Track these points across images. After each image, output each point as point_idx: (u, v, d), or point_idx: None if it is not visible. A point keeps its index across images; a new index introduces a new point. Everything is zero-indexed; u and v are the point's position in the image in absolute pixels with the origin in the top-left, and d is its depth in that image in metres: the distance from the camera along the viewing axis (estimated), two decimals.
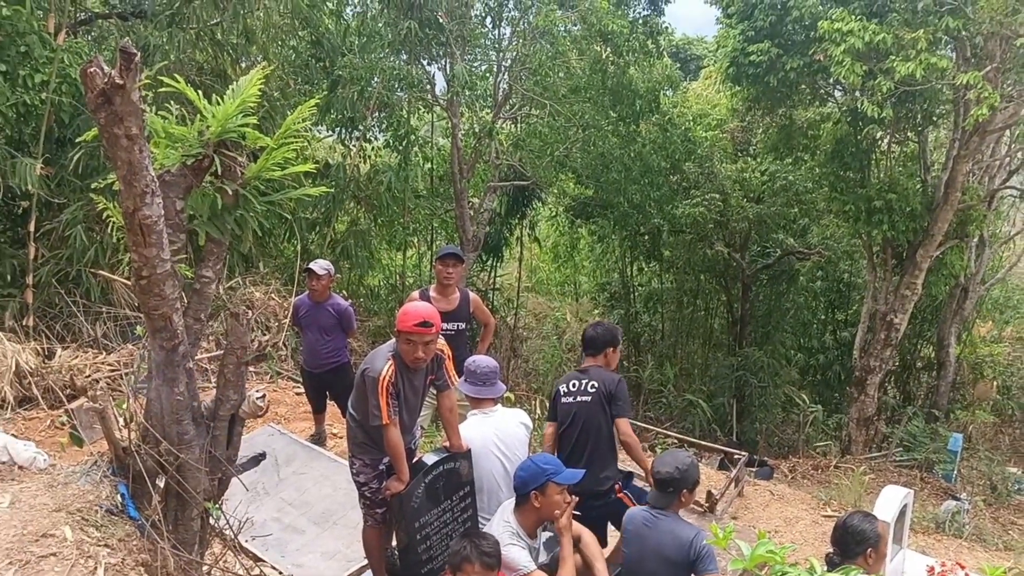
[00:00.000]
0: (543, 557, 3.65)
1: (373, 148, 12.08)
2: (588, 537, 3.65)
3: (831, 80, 11.04)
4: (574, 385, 4.52)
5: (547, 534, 3.73)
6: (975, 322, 15.34)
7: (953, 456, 11.01)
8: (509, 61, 11.68)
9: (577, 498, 3.67)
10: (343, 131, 11.34)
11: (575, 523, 3.77)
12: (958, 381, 14.86)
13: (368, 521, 4.03)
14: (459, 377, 4.18)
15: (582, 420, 4.44)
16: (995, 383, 14.51)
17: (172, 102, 3.27)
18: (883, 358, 11.62)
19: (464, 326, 5.53)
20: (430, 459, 3.92)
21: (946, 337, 13.43)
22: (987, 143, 10.95)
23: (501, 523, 3.52)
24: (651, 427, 10.68)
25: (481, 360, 4.26)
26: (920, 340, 15.54)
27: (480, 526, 3.90)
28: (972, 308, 13.84)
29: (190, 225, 3.17)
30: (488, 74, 11.98)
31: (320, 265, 5.85)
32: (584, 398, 4.45)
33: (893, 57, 8.79)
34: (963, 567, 4.86)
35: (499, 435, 4.13)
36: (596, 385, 4.43)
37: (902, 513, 5.37)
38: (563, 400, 4.52)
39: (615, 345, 4.60)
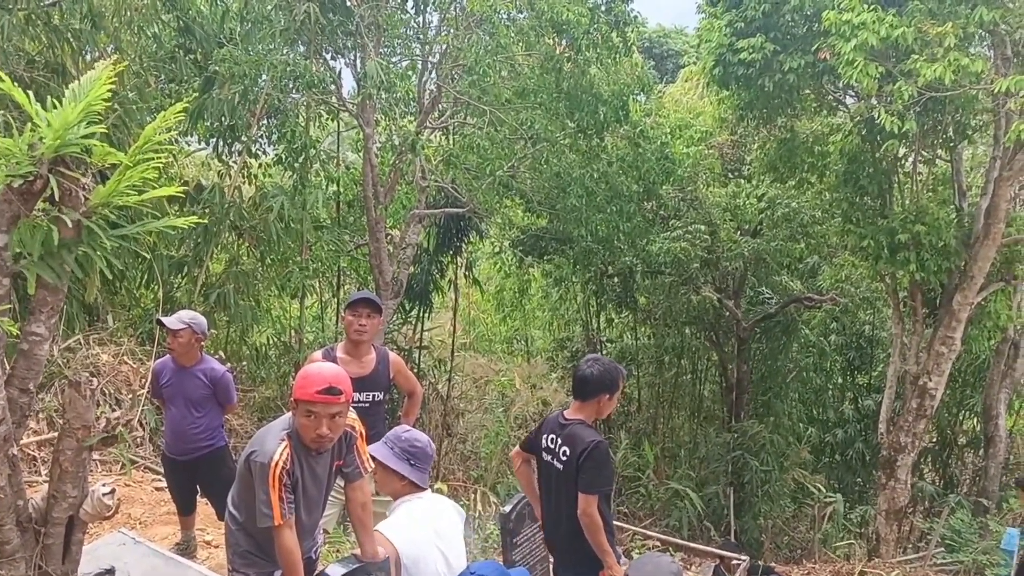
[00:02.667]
0: None
1: (260, 165, 12.07)
2: None
3: (840, 84, 11.47)
4: (552, 441, 4.72)
5: None
6: None
7: (1009, 557, 11.27)
8: (437, 56, 11.87)
9: None
10: (220, 143, 11.30)
11: None
12: (1011, 461, 15.31)
13: None
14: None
15: (555, 492, 4.70)
16: None
17: None
18: (916, 433, 11.91)
19: (382, 396, 5.51)
20: (336, 572, 3.87)
21: (994, 405, 13.83)
22: None
23: None
24: (626, 525, 10.73)
25: (417, 432, 4.18)
26: (962, 410, 16.02)
27: None
28: None
29: (16, 266, 3.16)
30: (411, 72, 12.12)
31: (178, 318, 5.78)
32: (557, 464, 4.65)
33: (916, 56, 9.17)
34: None
35: (439, 526, 4.11)
36: (567, 452, 4.58)
37: None
38: (543, 457, 4.77)
39: (612, 392, 4.70)
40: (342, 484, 4.09)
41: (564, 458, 4.60)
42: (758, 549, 13.59)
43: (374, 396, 5.41)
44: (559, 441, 4.66)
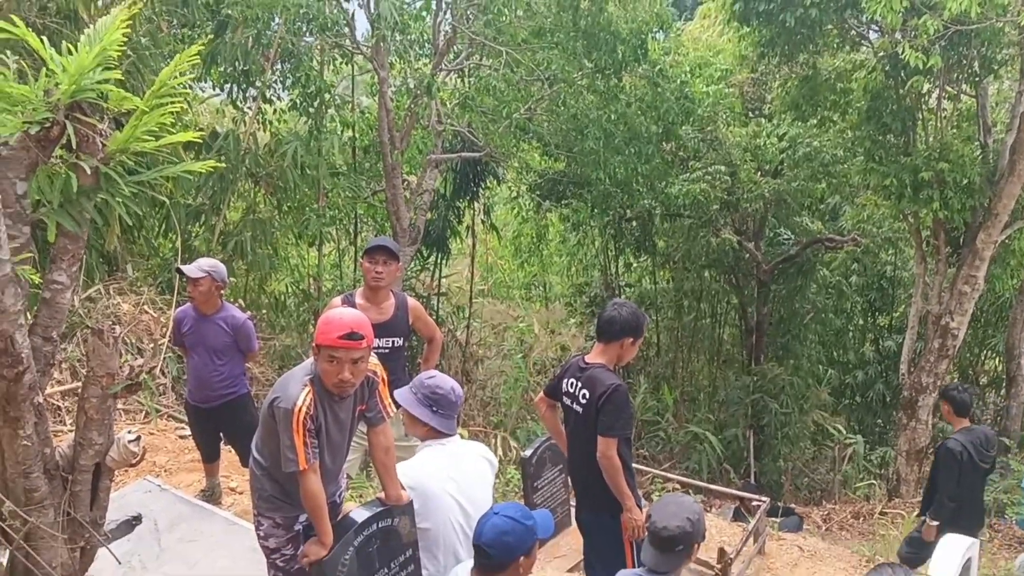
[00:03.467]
0: None
1: (275, 111, 12.03)
2: None
3: (864, 19, 11.28)
4: (572, 385, 4.80)
5: None
6: None
7: None
8: None
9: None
10: (235, 89, 11.26)
11: None
12: None
13: None
14: (396, 408, 4.18)
15: (576, 435, 4.80)
16: None
17: (9, 52, 3.23)
18: (938, 373, 11.91)
19: (402, 342, 5.54)
20: (360, 515, 3.93)
21: (1016, 345, 13.80)
22: None
23: None
24: (646, 468, 10.80)
25: (442, 378, 4.19)
26: (984, 350, 16.00)
27: None
28: None
29: (36, 215, 3.15)
30: (425, 12, 12.00)
31: (198, 266, 5.80)
32: (577, 408, 4.74)
33: None
34: None
35: (459, 473, 4.13)
36: (587, 396, 4.66)
37: (966, 568, 5.52)
38: (565, 401, 4.87)
39: (636, 336, 4.79)
40: (364, 429, 4.14)
41: (584, 401, 4.67)
42: (778, 491, 13.69)
43: (394, 342, 5.44)
44: (579, 385, 4.73)
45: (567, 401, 4.82)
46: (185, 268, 5.78)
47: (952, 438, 6.79)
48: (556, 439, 5.25)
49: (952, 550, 5.56)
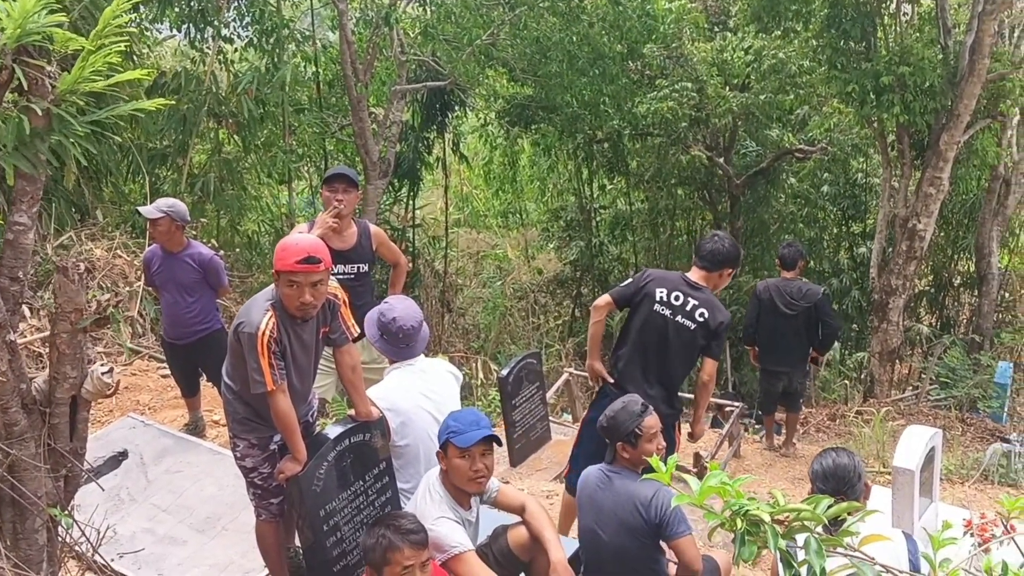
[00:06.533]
0: (479, 532, 3.90)
1: (236, 50, 11.95)
2: (533, 506, 3.90)
3: None
4: (676, 298, 5.01)
5: (484, 504, 3.98)
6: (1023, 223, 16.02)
7: (1002, 390, 11.61)
8: None
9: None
10: (192, 30, 11.18)
11: (516, 491, 4.04)
12: (1006, 298, 15.58)
13: (262, 515, 4.19)
14: (359, 329, 4.33)
15: (670, 344, 5.00)
16: None
17: None
18: (906, 275, 12.08)
19: (367, 268, 5.65)
20: (333, 431, 4.09)
21: (986, 244, 13.95)
22: None
23: (426, 495, 3.74)
24: None
25: (399, 308, 4.31)
26: (955, 251, 16.19)
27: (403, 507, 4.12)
28: (1016, 205, 14.35)
29: None
30: None
31: (156, 207, 5.87)
32: (685, 322, 4.96)
33: None
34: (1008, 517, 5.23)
35: (428, 389, 4.32)
36: (705, 315, 4.93)
37: (930, 459, 5.68)
38: (655, 308, 5.02)
39: (735, 267, 5.14)
40: (330, 352, 4.29)
41: (700, 319, 4.93)
42: (755, 398, 13.95)
43: (359, 268, 5.56)
44: (693, 301, 4.97)
45: (664, 311, 4.99)
46: (143, 209, 5.89)
47: (764, 281, 8.45)
48: (594, 345, 5.39)
49: (915, 440, 5.72)
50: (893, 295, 12.13)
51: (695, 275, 5.10)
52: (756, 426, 10.55)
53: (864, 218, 16.80)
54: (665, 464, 2.10)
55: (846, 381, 13.55)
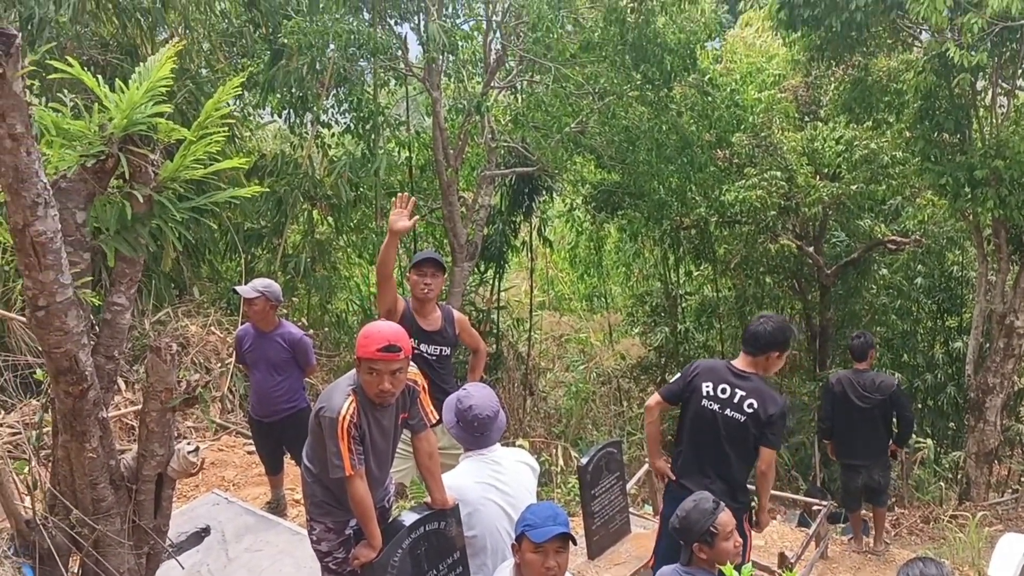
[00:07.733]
0: None
1: (333, 135, 12.33)
2: None
3: (914, 19, 11.16)
4: (723, 391, 4.88)
5: None
6: None
7: None
8: (500, 15, 11.90)
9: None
10: (292, 115, 11.59)
11: None
12: None
13: None
14: (438, 415, 4.33)
15: (722, 439, 4.87)
16: None
17: (66, 90, 3.45)
18: (1004, 373, 11.67)
19: (449, 351, 5.68)
20: (409, 518, 4.07)
21: None
22: None
23: None
24: None
25: (476, 396, 4.27)
26: None
27: None
28: None
29: (95, 241, 3.36)
30: (475, 32, 12.21)
31: (252, 287, 6.03)
32: (734, 415, 4.83)
33: None
34: None
35: (500, 480, 4.27)
36: (755, 406, 4.79)
37: None
38: (703, 403, 4.91)
39: (783, 350, 4.92)
40: (409, 438, 4.30)
41: (750, 410, 4.78)
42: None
43: (441, 350, 5.59)
44: (741, 393, 4.83)
45: (712, 405, 4.88)
46: (240, 288, 6.04)
47: (836, 374, 8.30)
48: (653, 446, 5.35)
49: (1013, 548, 5.49)
50: (990, 394, 11.71)
51: (741, 362, 4.95)
52: (842, 526, 10.17)
53: (960, 312, 16.32)
54: (739, 572, 2.04)
55: (941, 482, 12.99)
